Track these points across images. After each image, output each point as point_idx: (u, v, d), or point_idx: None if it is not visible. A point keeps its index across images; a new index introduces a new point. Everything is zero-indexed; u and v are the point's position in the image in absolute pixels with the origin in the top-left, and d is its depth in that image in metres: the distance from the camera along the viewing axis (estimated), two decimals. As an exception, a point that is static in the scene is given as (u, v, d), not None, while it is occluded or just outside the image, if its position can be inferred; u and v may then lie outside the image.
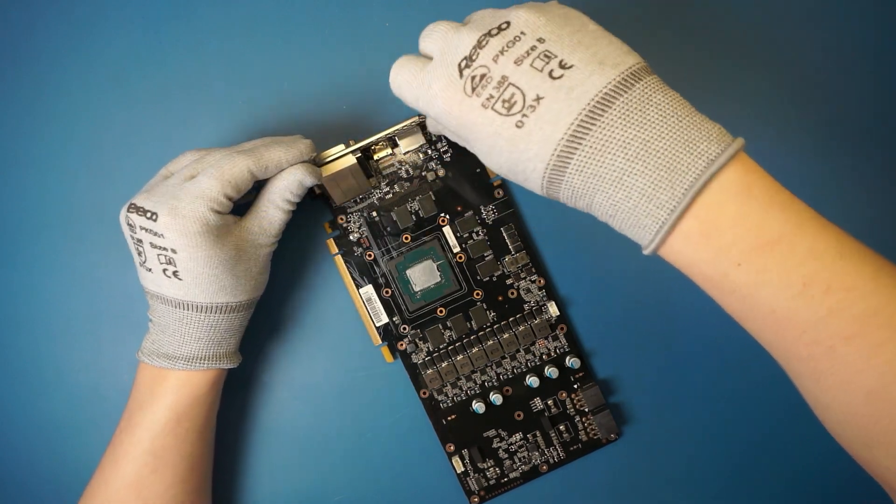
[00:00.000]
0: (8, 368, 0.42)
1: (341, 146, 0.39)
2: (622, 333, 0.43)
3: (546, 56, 0.27)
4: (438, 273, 0.41)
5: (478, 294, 0.41)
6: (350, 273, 0.41)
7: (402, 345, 0.41)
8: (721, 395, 0.43)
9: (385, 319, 0.41)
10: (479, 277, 0.41)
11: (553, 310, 0.42)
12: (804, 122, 0.43)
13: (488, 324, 0.42)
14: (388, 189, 0.41)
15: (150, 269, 0.34)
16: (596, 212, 0.28)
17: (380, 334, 0.41)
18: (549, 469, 0.42)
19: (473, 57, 0.28)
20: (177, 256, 0.33)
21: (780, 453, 0.43)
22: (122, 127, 0.42)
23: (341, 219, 0.41)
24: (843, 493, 0.42)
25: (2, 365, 0.42)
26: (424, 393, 0.42)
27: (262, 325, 0.42)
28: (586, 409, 0.42)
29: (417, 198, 0.41)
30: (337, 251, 0.41)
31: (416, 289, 0.41)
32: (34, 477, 0.42)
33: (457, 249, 0.41)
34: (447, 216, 0.41)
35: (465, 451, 0.42)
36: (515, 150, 0.28)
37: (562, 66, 0.27)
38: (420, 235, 0.41)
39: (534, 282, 0.42)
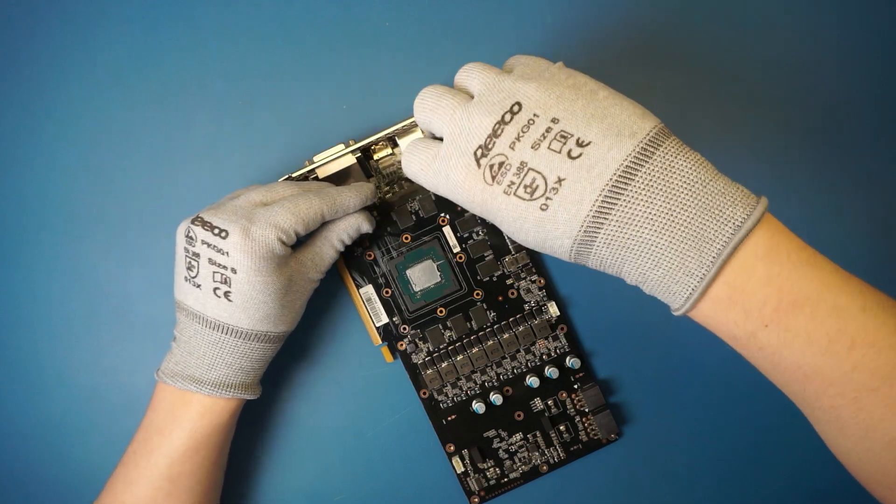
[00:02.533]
0: (8, 368, 0.42)
1: (341, 146, 0.39)
2: (622, 333, 0.43)
3: (563, 136, 0.27)
4: (438, 273, 0.41)
5: (478, 294, 0.41)
6: (350, 273, 0.41)
7: (402, 345, 0.41)
8: (721, 395, 0.43)
9: (385, 319, 0.41)
10: (479, 277, 0.41)
11: (553, 310, 0.42)
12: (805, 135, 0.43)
13: (488, 324, 0.42)
14: (388, 189, 0.41)
15: (198, 286, 0.33)
16: (626, 278, 0.29)
17: (380, 334, 0.41)
18: (549, 469, 0.42)
19: (489, 146, 0.28)
20: (235, 277, 0.32)
21: (780, 452, 0.43)
22: (122, 127, 0.42)
23: (341, 219, 0.41)
24: (842, 492, 0.42)
25: (2, 365, 0.42)
26: (424, 393, 0.42)
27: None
28: (586, 410, 0.42)
29: (417, 197, 0.41)
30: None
31: (416, 289, 0.41)
32: (34, 477, 0.42)
33: (457, 249, 0.41)
34: (447, 216, 0.41)
35: (465, 452, 0.42)
36: (542, 230, 0.28)
37: (579, 144, 0.27)
38: (420, 235, 0.41)
39: (534, 282, 0.42)
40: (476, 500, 0.42)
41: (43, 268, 0.42)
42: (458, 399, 0.42)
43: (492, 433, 0.42)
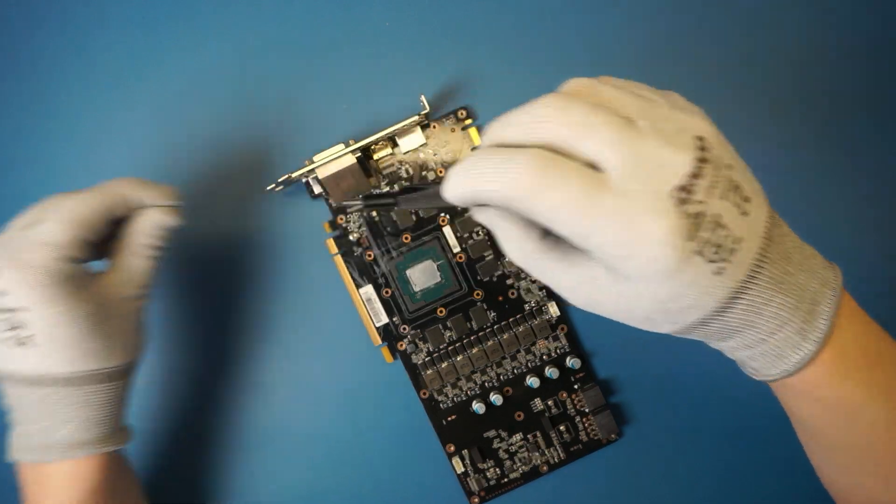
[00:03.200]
0: None
1: (341, 146, 0.39)
2: (622, 333, 0.42)
3: (735, 187, 0.22)
4: (438, 273, 0.41)
5: (478, 294, 0.41)
6: (350, 273, 0.41)
7: (401, 345, 0.41)
8: (721, 395, 0.43)
9: (385, 319, 0.41)
10: (479, 277, 0.41)
11: (553, 310, 0.42)
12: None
13: (488, 324, 0.41)
14: (388, 189, 0.41)
15: None
16: (730, 346, 0.26)
17: (380, 334, 0.41)
18: (549, 470, 0.42)
19: (692, 189, 0.21)
20: (28, 316, 0.28)
21: (781, 452, 0.43)
22: (122, 127, 0.42)
23: (341, 219, 0.41)
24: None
25: None
26: (424, 393, 0.41)
27: (261, 325, 0.42)
28: (587, 410, 0.42)
29: (420, 193, 0.41)
30: (337, 251, 0.41)
31: (416, 289, 0.41)
32: None
33: (457, 249, 0.41)
34: (447, 216, 0.41)
35: (465, 452, 0.42)
36: (688, 298, 0.22)
37: (745, 199, 0.23)
38: (420, 235, 0.41)
39: (534, 282, 0.42)
40: (476, 500, 0.42)
41: None
42: (458, 399, 0.42)
43: (492, 433, 0.42)
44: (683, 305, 0.22)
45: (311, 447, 0.42)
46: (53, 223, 0.29)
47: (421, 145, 0.41)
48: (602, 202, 0.21)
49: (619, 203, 0.21)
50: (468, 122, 0.41)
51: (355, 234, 0.41)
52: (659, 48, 0.43)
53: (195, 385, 0.42)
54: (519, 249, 0.24)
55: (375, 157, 0.41)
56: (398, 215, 0.41)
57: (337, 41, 0.43)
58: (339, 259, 0.41)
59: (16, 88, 0.42)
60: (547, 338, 0.42)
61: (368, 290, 0.41)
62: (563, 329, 0.42)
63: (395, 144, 0.41)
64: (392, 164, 0.41)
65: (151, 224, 0.32)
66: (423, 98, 0.38)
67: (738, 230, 0.22)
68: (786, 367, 0.25)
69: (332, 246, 0.41)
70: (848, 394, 0.25)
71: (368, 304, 0.41)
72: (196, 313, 0.43)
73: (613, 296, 0.23)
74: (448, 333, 0.41)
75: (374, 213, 0.41)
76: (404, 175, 0.41)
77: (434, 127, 0.41)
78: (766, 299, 0.23)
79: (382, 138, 0.39)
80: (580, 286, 0.23)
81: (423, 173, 0.41)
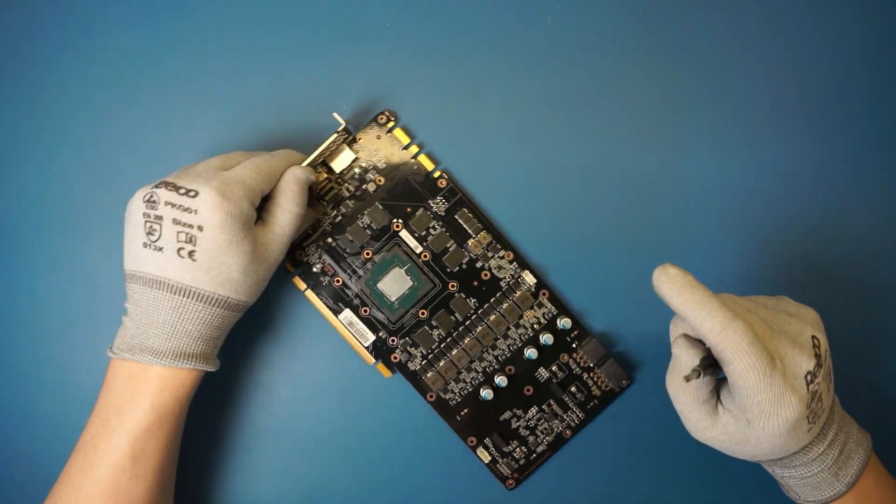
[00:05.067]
0: (8, 368, 0.42)
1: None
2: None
3: (830, 371, 0.32)
4: (409, 277, 0.41)
5: (453, 286, 0.41)
6: (324, 303, 0.41)
7: (395, 357, 0.41)
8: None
9: (371, 337, 0.41)
10: (448, 269, 0.41)
11: (529, 278, 0.41)
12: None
13: (472, 311, 0.41)
14: (335, 212, 0.41)
15: (160, 249, 0.33)
16: (786, 472, 0.33)
17: (371, 353, 0.41)
18: (573, 433, 0.42)
19: (815, 375, 0.30)
20: (201, 235, 0.32)
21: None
22: (121, 126, 0.42)
23: (299, 254, 0.41)
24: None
25: (2, 365, 0.42)
26: (431, 396, 0.42)
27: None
28: (591, 364, 0.41)
29: (366, 211, 0.41)
30: (305, 287, 0.41)
31: (392, 299, 0.41)
32: (34, 477, 0.41)
33: (419, 249, 0.41)
34: (400, 220, 0.41)
35: (487, 441, 0.42)
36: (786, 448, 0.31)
37: (832, 380, 0.33)
38: (380, 248, 0.41)
39: (502, 257, 0.41)
40: (512, 483, 0.42)
41: (43, 268, 0.42)
42: (465, 392, 0.42)
43: (507, 415, 0.42)
44: (780, 448, 0.31)
45: (312, 447, 0.42)
46: (247, 169, 0.34)
47: (353, 161, 0.41)
48: (773, 374, 0.29)
49: (779, 379, 0.29)
50: (391, 124, 0.41)
51: (318, 265, 0.41)
52: (658, 49, 0.43)
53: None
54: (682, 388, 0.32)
55: (315, 185, 0.41)
56: (353, 234, 0.41)
57: (337, 41, 0.42)
58: (309, 293, 0.41)
59: (15, 88, 0.42)
60: (532, 307, 0.41)
61: (347, 314, 0.41)
62: (544, 294, 0.41)
63: (328, 168, 0.41)
64: (332, 187, 0.41)
65: (287, 180, 0.36)
66: (336, 115, 0.38)
67: (826, 403, 0.31)
68: (821, 498, 0.33)
69: (300, 283, 0.41)
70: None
71: (351, 327, 0.41)
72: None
73: (737, 436, 0.31)
74: (436, 332, 0.41)
75: (329, 239, 0.41)
76: (346, 194, 0.41)
77: (360, 139, 0.41)
78: (821, 451, 0.32)
79: (313, 164, 0.39)
80: (714, 428, 0.32)
81: (364, 186, 0.41)
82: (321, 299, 0.41)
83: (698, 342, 0.32)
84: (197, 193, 0.33)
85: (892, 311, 0.43)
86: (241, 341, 0.42)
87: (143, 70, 0.42)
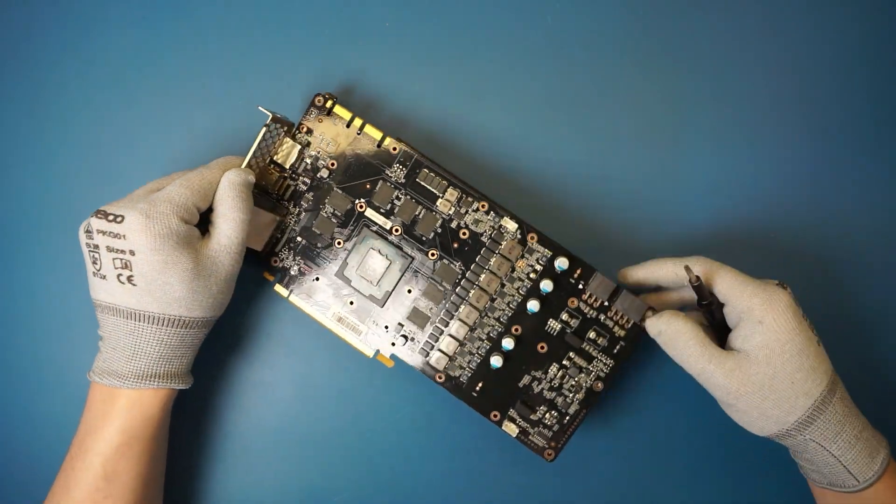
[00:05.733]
0: (8, 368, 0.42)
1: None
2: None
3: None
4: (384, 256, 0.38)
5: (433, 254, 0.38)
6: (310, 304, 0.39)
7: (392, 343, 0.39)
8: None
9: (364, 329, 0.39)
10: (424, 238, 0.38)
11: (511, 225, 0.37)
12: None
13: (459, 276, 0.38)
14: (296, 209, 0.39)
15: (104, 277, 0.33)
16: (832, 445, 0.34)
17: (367, 345, 0.39)
18: (604, 384, 0.36)
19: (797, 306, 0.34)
20: (134, 259, 0.32)
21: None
22: (121, 126, 0.42)
23: (274, 261, 0.40)
24: None
25: (2, 365, 0.42)
26: (440, 377, 0.38)
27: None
28: (604, 302, 0.36)
29: (326, 200, 0.39)
30: (287, 293, 0.39)
31: (375, 283, 0.38)
32: (34, 476, 0.42)
33: (389, 225, 0.38)
34: (362, 199, 0.39)
35: (511, 412, 0.37)
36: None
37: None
38: (350, 234, 0.39)
39: (477, 210, 0.37)
40: (551, 453, 0.37)
41: (43, 268, 0.42)
42: (474, 364, 0.38)
43: (526, 379, 0.37)
44: (799, 364, 0.33)
45: (312, 447, 0.41)
46: (175, 185, 0.34)
47: (300, 152, 0.39)
48: (755, 281, 0.34)
49: (761, 283, 0.34)
50: (329, 104, 0.39)
51: (294, 267, 0.39)
52: (658, 49, 0.43)
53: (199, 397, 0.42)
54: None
55: (271, 187, 0.39)
56: (319, 227, 0.39)
57: (337, 41, 0.42)
58: (293, 298, 0.39)
59: (15, 88, 0.42)
60: (522, 255, 0.37)
61: (334, 310, 0.39)
62: (532, 238, 0.37)
63: (279, 167, 0.39)
64: (288, 185, 0.39)
65: (223, 187, 0.35)
66: (262, 108, 0.37)
67: (824, 356, 0.34)
68: (876, 469, 0.34)
69: (282, 290, 0.40)
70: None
71: (341, 323, 0.39)
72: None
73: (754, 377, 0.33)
74: (429, 307, 0.38)
75: (299, 238, 0.39)
76: (303, 187, 0.39)
77: (304, 128, 0.39)
78: (843, 412, 0.33)
79: (260, 169, 0.38)
80: (731, 372, 0.33)
81: (318, 175, 0.39)
82: (306, 301, 0.39)
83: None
84: (123, 218, 0.33)
85: (892, 309, 0.42)
86: (238, 345, 0.41)
87: (143, 70, 0.42)
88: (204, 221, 0.36)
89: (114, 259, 0.33)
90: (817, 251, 0.41)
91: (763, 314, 0.33)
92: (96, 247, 0.33)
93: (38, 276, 0.42)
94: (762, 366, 0.33)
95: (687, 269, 0.33)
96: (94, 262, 0.33)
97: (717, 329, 0.35)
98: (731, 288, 0.34)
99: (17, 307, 0.42)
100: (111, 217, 0.33)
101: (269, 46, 0.42)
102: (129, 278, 0.33)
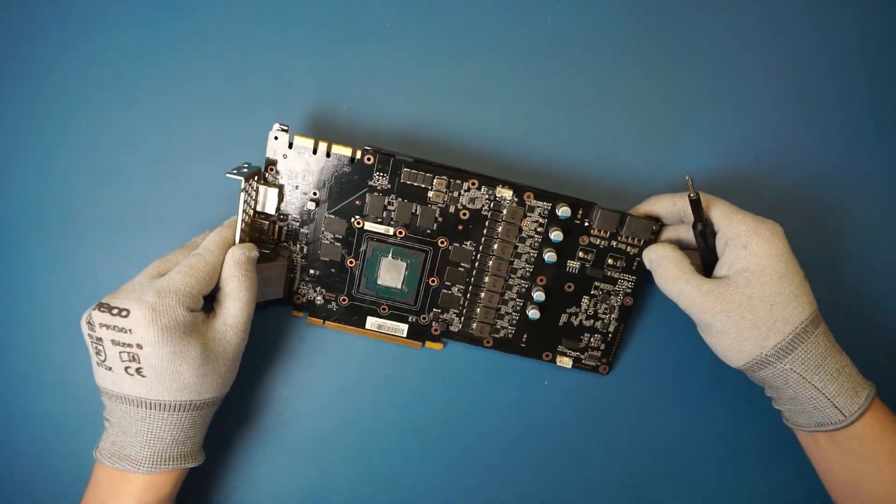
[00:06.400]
0: (8, 368, 0.42)
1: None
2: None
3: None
4: (398, 260, 0.40)
5: (442, 242, 0.39)
6: (345, 324, 0.41)
7: (435, 329, 0.41)
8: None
9: (404, 326, 0.41)
10: (429, 231, 0.39)
11: (506, 192, 0.38)
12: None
13: (474, 253, 0.39)
14: (297, 247, 0.40)
15: (109, 368, 0.33)
16: (815, 378, 0.34)
17: (412, 338, 0.41)
18: (632, 298, 0.40)
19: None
20: (142, 352, 0.32)
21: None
22: (121, 127, 0.41)
23: (297, 298, 0.41)
24: None
25: (2, 365, 0.42)
26: (488, 343, 0.41)
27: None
28: (613, 231, 0.39)
29: (322, 230, 0.39)
30: (321, 321, 0.41)
31: (399, 286, 0.40)
32: (34, 476, 0.42)
33: (391, 231, 0.39)
34: (357, 216, 0.39)
35: (560, 347, 0.41)
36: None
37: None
38: (358, 250, 0.39)
39: (468, 190, 0.38)
40: (605, 368, 0.42)
41: (43, 268, 0.42)
42: (513, 321, 0.41)
43: (564, 318, 0.41)
44: (781, 281, 0.33)
45: (312, 446, 0.43)
46: (179, 274, 0.33)
47: (279, 191, 0.38)
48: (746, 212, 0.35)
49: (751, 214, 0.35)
50: (286, 136, 0.38)
51: (319, 298, 0.41)
52: (658, 49, 0.42)
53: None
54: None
55: (262, 235, 0.39)
56: (326, 254, 0.40)
57: (337, 41, 0.41)
58: (329, 323, 0.41)
59: (15, 88, 0.41)
60: (525, 215, 0.39)
61: (371, 320, 0.41)
62: (529, 196, 0.38)
63: (265, 215, 0.39)
64: (281, 227, 0.39)
65: (228, 267, 0.35)
66: (230, 175, 0.35)
67: (807, 286, 0.35)
68: (861, 402, 0.34)
69: (315, 320, 0.41)
70: (891, 445, 0.34)
71: (382, 329, 0.41)
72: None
73: (745, 277, 0.34)
74: (455, 289, 0.40)
75: (312, 270, 0.40)
76: (297, 224, 0.39)
77: (272, 169, 0.38)
78: (828, 347, 0.34)
79: (247, 222, 0.38)
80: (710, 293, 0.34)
81: (306, 209, 0.39)
82: (342, 322, 0.41)
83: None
84: (129, 312, 0.32)
85: (893, 305, 0.43)
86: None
87: (143, 70, 0.41)
88: (208, 298, 0.36)
89: (120, 353, 0.32)
90: (817, 251, 0.42)
91: (748, 240, 0.33)
92: (100, 339, 0.33)
93: (38, 276, 0.42)
94: (741, 286, 0.33)
95: (688, 179, 0.35)
96: (98, 353, 0.33)
97: (709, 259, 0.36)
98: (725, 215, 0.35)
99: (17, 307, 0.42)
100: (115, 311, 0.32)
101: (269, 46, 0.40)
102: (139, 370, 0.32)
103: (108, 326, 0.32)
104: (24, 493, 0.42)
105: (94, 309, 0.33)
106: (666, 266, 0.36)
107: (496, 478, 0.44)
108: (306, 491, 0.43)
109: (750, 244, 0.34)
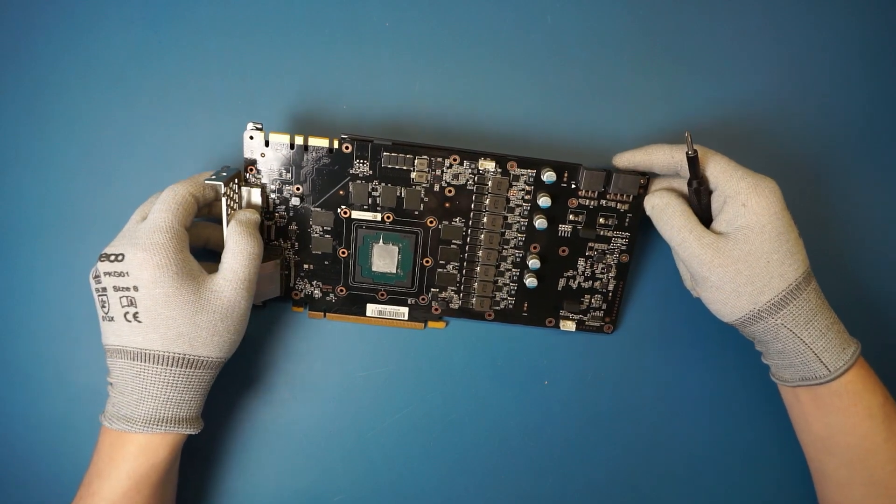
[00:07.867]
0: (8, 368, 0.42)
1: None
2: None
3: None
4: (390, 244, 0.39)
5: (431, 222, 0.39)
6: (347, 313, 0.41)
7: (435, 309, 0.41)
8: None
9: (405, 309, 0.41)
10: (416, 213, 0.39)
11: (488, 164, 0.38)
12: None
13: (464, 229, 0.39)
14: (290, 244, 0.40)
15: (112, 319, 0.34)
16: (804, 333, 0.35)
17: (414, 319, 0.41)
18: (628, 255, 0.40)
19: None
20: (138, 295, 0.33)
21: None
22: (122, 126, 0.41)
23: (295, 294, 0.41)
24: None
25: (2, 365, 0.42)
26: (489, 315, 0.41)
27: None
28: (600, 189, 0.38)
29: (311, 224, 0.39)
30: (322, 314, 0.41)
31: (393, 270, 0.40)
32: (34, 476, 0.42)
33: (378, 217, 0.39)
34: (343, 207, 0.39)
35: (562, 311, 0.41)
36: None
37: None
38: (348, 240, 0.39)
39: (450, 166, 0.38)
40: (609, 327, 0.42)
41: (43, 268, 0.42)
42: (511, 292, 0.41)
43: (562, 283, 0.40)
44: (779, 242, 0.34)
45: (312, 446, 0.43)
46: (159, 213, 0.34)
47: (262, 190, 0.38)
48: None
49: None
50: (261, 134, 0.37)
51: (317, 291, 0.41)
52: (657, 49, 0.42)
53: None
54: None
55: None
56: (317, 247, 0.40)
57: (337, 41, 0.41)
58: (330, 315, 0.41)
59: (15, 88, 0.41)
60: (510, 185, 0.38)
61: (371, 307, 0.41)
62: (512, 165, 0.38)
63: (258, 209, 0.39)
64: (270, 226, 0.39)
65: (231, 224, 0.36)
66: (209, 183, 0.35)
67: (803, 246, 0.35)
68: (847, 359, 0.35)
69: (316, 314, 0.41)
70: (868, 402, 0.35)
71: (383, 314, 0.41)
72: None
73: (741, 232, 0.34)
74: (450, 266, 0.40)
75: (305, 266, 0.40)
76: (285, 221, 0.39)
77: (251, 170, 0.38)
78: (818, 304, 0.35)
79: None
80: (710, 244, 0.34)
81: (291, 205, 0.39)
82: (342, 312, 0.41)
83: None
84: (124, 256, 0.33)
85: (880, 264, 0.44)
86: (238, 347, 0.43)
87: (143, 70, 0.41)
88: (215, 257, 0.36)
89: (120, 298, 0.33)
90: (817, 251, 0.42)
91: (748, 197, 0.34)
92: (104, 289, 0.33)
93: (38, 276, 0.42)
94: (739, 243, 0.34)
95: (687, 136, 0.34)
96: (103, 306, 0.34)
97: (701, 217, 0.36)
98: (723, 171, 0.35)
99: (17, 307, 0.42)
100: (112, 257, 0.33)
101: (269, 46, 0.40)
102: (135, 315, 0.33)
103: (109, 274, 0.33)
104: (24, 493, 0.42)
105: (98, 261, 0.34)
106: (671, 214, 0.35)
107: (496, 478, 0.44)
108: (306, 491, 0.44)
109: (749, 201, 0.34)
